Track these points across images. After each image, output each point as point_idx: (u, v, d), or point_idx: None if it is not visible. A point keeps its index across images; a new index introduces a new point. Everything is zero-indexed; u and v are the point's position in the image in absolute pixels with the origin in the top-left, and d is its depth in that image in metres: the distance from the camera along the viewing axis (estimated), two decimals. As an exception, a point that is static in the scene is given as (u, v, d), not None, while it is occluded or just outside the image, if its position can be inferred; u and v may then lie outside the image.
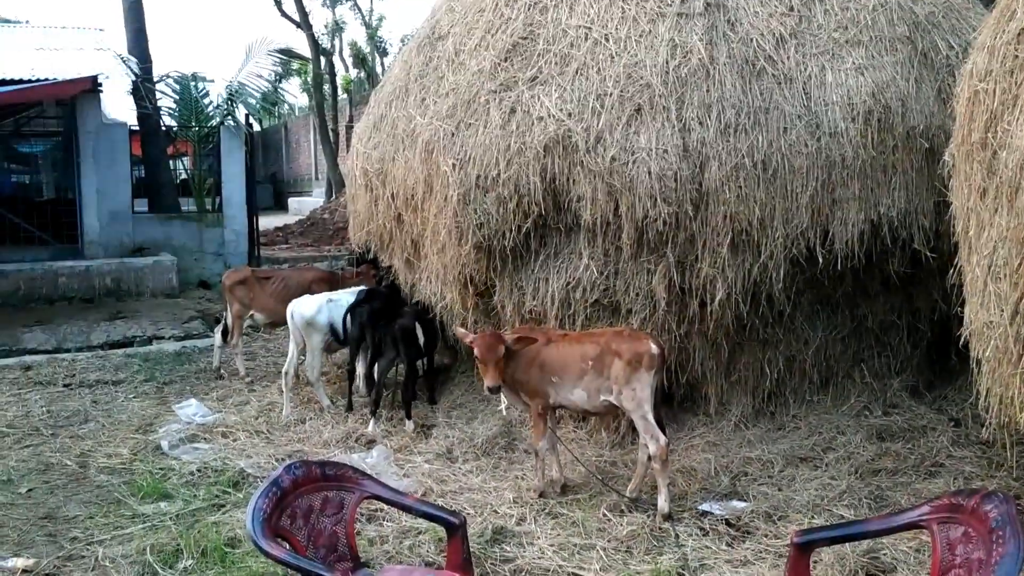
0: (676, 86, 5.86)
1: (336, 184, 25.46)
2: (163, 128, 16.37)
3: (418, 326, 7.35)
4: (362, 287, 8.25)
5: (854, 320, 6.54)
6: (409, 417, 7.19)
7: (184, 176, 18.69)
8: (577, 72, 6.07)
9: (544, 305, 6.35)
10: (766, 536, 5.09)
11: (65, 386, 8.86)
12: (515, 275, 6.47)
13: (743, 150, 5.72)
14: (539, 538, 5.21)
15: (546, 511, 5.58)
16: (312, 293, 8.67)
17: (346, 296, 7.90)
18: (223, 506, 5.83)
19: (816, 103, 5.89)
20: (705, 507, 5.52)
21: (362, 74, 35.55)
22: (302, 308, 7.65)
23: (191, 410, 7.79)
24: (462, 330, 5.76)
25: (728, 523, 5.27)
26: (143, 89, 15.24)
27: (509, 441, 6.75)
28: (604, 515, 5.47)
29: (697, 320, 6.04)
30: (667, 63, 5.92)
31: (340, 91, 31.71)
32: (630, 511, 5.51)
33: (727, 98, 5.84)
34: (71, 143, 14.06)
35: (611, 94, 5.90)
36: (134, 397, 8.50)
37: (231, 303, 8.98)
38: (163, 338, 10.81)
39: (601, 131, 5.83)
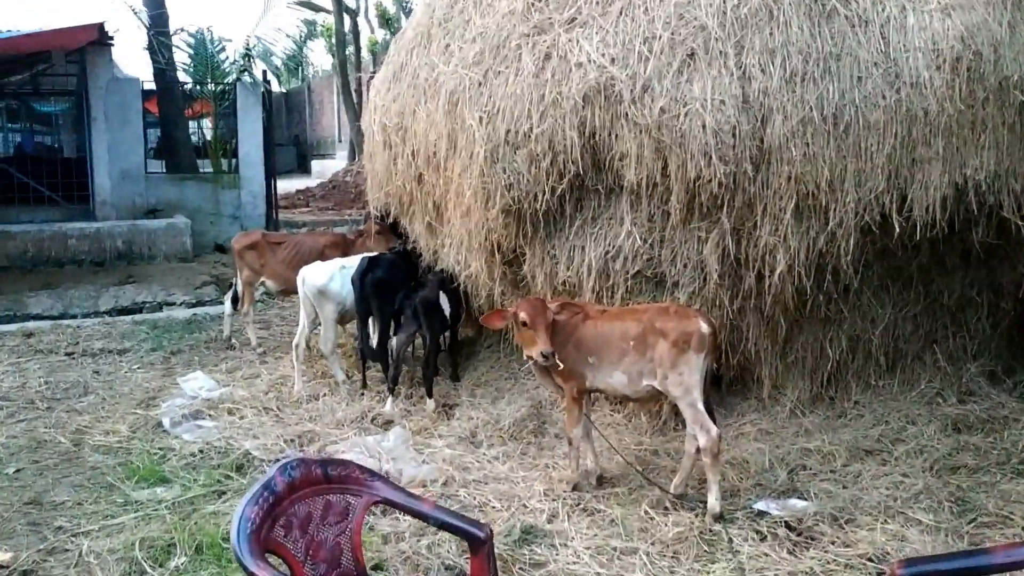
0: (735, 28, 5.15)
1: (359, 146, 24.69)
2: (179, 85, 15.76)
3: (442, 296, 6.74)
4: (367, 254, 7.61)
5: (928, 296, 5.84)
6: (430, 396, 6.61)
7: (205, 138, 18.11)
8: (621, 13, 5.36)
9: (579, 276, 5.72)
10: (833, 543, 4.46)
11: (67, 355, 8.38)
12: (547, 242, 5.83)
13: (811, 102, 5.00)
14: (573, 539, 4.63)
15: (581, 506, 5.00)
16: (325, 259, 8.12)
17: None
18: (224, 493, 5.30)
19: (895, 49, 5.13)
20: (761, 506, 4.90)
21: (388, 35, 34.68)
22: (312, 276, 7.06)
23: (197, 383, 7.27)
24: (496, 318, 5.08)
25: (788, 526, 4.65)
26: (156, 43, 14.62)
27: (538, 424, 6.16)
28: (646, 513, 4.88)
29: (752, 295, 5.37)
30: (724, 2, 5.21)
31: (365, 52, 30.90)
32: (675, 509, 4.91)
33: (793, 43, 5.11)
34: (83, 101, 13.50)
35: (660, 37, 5.19)
36: (138, 368, 8.00)
37: (241, 269, 8.43)
38: (173, 304, 10.32)
39: (648, 79, 5.13)
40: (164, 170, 15.34)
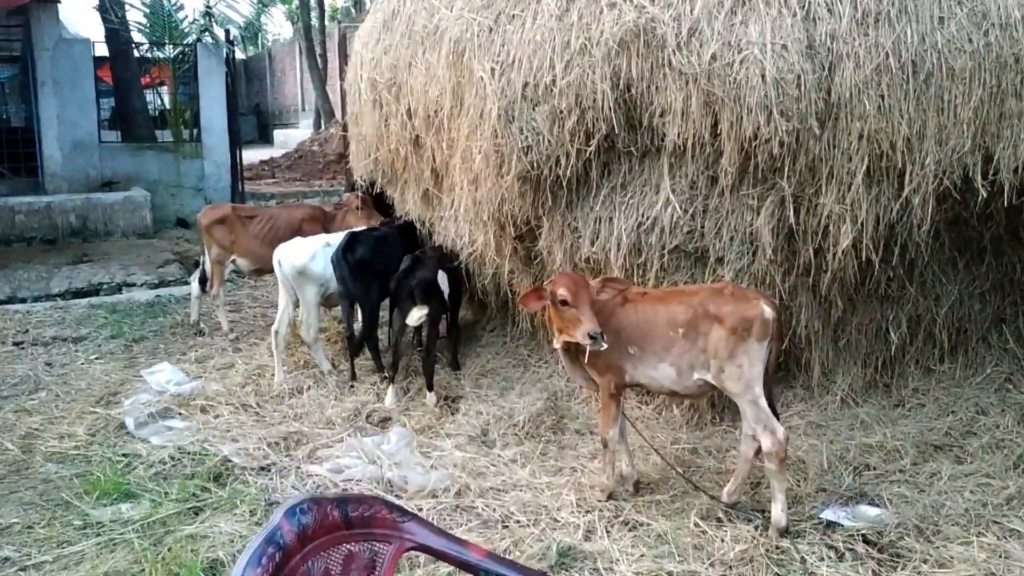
0: (795, -39, 4.40)
1: (326, 114, 23.75)
2: (133, 46, 14.62)
3: (441, 275, 5.97)
4: (352, 229, 6.80)
5: (998, 271, 5.21)
6: (431, 389, 5.87)
7: (164, 107, 16.97)
8: (661, -58, 4.59)
9: (605, 251, 4.99)
10: (925, 562, 3.83)
11: (15, 344, 7.48)
12: (568, 214, 5.09)
13: (886, 47, 4.29)
14: (618, 561, 3.96)
15: (620, 519, 4.33)
16: (304, 235, 7.31)
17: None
18: (201, 510, 4.54)
19: (982, -15, 4.43)
20: (829, 515, 4.26)
21: (350, 2, 33.56)
22: (292, 255, 6.25)
23: (164, 376, 6.44)
24: (534, 298, 4.32)
25: (867, 540, 4.02)
26: (108, 1, 13.48)
27: (557, 420, 5.46)
28: (696, 526, 4.22)
29: (811, 271, 4.69)
30: (782, -69, 4.45)
31: (327, 19, 29.69)
32: (730, 521, 4.25)
33: (864, -22, 4.38)
34: (29, 64, 12.38)
35: (708, -28, 4.43)
36: (97, 358, 7.13)
37: (209, 246, 7.57)
38: (134, 286, 9.42)
39: (697, 21, 4.39)
40: (120, 140, 14.27)
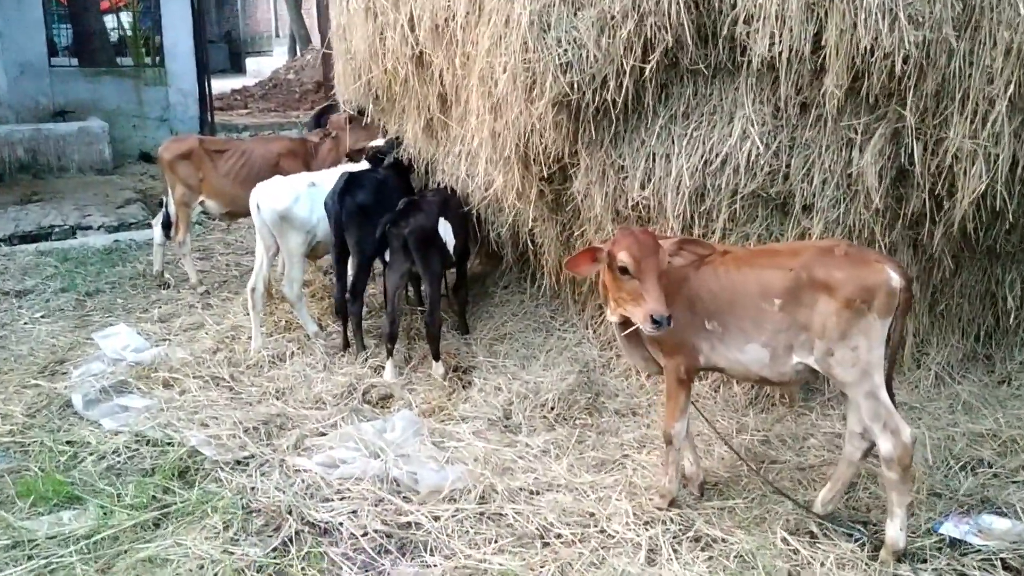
0: None
1: (301, 40, 22.30)
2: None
3: (443, 224, 5.00)
4: (346, 168, 5.76)
5: None
6: (437, 357, 4.95)
7: (124, 32, 15.55)
8: None
9: (659, 196, 4.03)
10: (1091, 599, 2.99)
11: (-53, 299, 6.46)
12: (613, 149, 4.11)
13: (1046, -69, 3.29)
14: (700, 595, 3.09)
15: (689, 534, 3.48)
16: (283, 172, 6.29)
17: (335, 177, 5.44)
18: (162, 521, 3.64)
19: None
20: (949, 529, 3.42)
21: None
22: (272, 197, 5.23)
23: (120, 341, 5.48)
24: (585, 260, 3.34)
25: (1006, 566, 3.17)
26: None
27: (592, 398, 4.58)
28: (786, 543, 3.38)
29: (924, 222, 3.75)
30: None
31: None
32: (826, 535, 3.40)
33: None
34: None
35: None
36: (43, 316, 6.15)
37: (173, 185, 6.52)
38: (90, 229, 8.33)
39: None
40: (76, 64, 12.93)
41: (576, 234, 4.64)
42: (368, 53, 5.14)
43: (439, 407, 4.53)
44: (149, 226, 8.52)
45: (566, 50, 3.79)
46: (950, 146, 3.49)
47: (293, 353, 5.28)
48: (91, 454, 4.18)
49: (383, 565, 3.35)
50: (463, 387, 4.83)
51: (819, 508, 3.51)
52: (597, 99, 3.86)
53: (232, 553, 3.37)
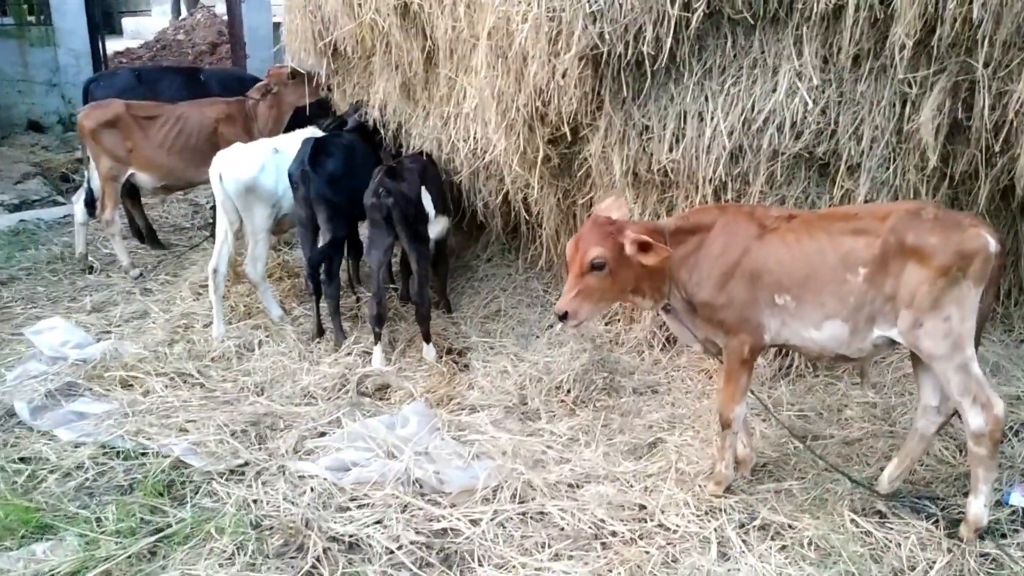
0: None
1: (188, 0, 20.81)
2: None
3: (424, 192, 4.56)
4: (312, 132, 5.22)
5: None
6: (428, 339, 4.53)
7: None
8: None
9: (688, 158, 3.71)
10: None
11: None
12: (636, 107, 3.75)
13: None
14: (783, 590, 2.85)
15: (755, 522, 3.23)
16: (221, 138, 5.71)
17: (297, 142, 4.88)
18: (159, 548, 3.12)
19: None
20: (1017, 500, 3.29)
21: None
22: (237, 167, 4.65)
23: (57, 336, 4.80)
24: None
25: (1087, 533, 3.07)
26: None
27: (607, 378, 4.27)
28: (856, 526, 3.18)
29: (982, 184, 3.57)
30: None
31: None
32: (896, 515, 3.22)
33: None
34: None
35: None
36: (-48, 311, 5.34)
37: (97, 157, 5.77)
38: (-12, 208, 7.40)
39: None
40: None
41: (582, 202, 4.29)
42: (338, 5, 4.58)
43: (448, 396, 4.12)
44: (55, 203, 7.68)
45: (596, -1, 3.40)
46: (1014, 99, 3.30)
47: (261, 342, 4.74)
48: (51, 471, 3.61)
49: (432, 582, 2.97)
50: (460, 370, 4.44)
51: (885, 486, 3.32)
52: (632, 52, 3.49)
53: (253, 579, 2.91)
